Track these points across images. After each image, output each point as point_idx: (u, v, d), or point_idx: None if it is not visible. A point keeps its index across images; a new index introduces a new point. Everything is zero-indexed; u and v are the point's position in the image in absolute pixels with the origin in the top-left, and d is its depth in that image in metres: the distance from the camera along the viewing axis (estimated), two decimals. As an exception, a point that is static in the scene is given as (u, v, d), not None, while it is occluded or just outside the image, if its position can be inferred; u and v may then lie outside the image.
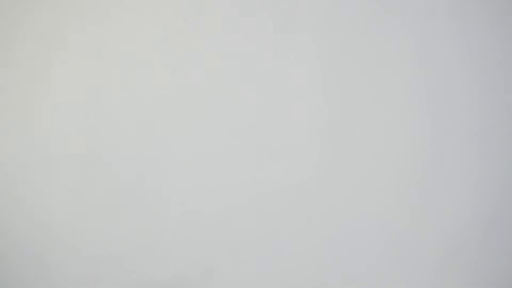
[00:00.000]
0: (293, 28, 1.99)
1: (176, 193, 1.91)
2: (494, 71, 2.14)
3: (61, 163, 1.88)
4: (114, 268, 1.88)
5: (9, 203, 1.88)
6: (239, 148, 1.95)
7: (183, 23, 1.93)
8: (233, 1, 1.95)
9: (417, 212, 2.07)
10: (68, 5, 1.90)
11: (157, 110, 1.90)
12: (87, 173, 1.88)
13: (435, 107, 2.09)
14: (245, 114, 1.95)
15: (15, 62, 1.91)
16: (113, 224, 1.89)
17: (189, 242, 1.92)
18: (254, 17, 1.96)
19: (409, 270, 2.06)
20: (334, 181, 2.00)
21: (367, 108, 2.02)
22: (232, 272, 1.94)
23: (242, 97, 1.95)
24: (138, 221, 1.89)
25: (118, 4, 1.92)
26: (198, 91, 1.92)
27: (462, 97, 2.11)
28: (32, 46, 1.90)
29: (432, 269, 2.08)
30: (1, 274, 1.89)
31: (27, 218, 1.87)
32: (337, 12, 2.00)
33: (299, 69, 1.99)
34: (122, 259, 1.88)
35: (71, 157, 1.88)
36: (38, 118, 1.88)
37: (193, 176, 1.92)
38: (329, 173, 2.00)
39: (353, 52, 2.01)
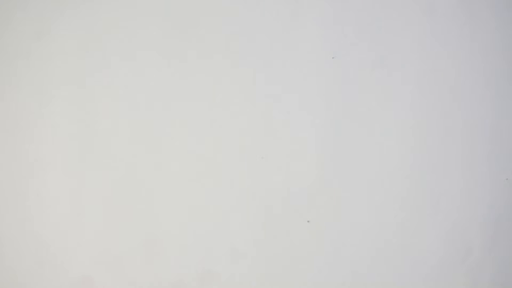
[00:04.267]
0: (298, 24, 1.96)
1: (175, 195, 1.91)
2: (503, 70, 2.11)
3: (59, 164, 1.87)
4: (113, 271, 1.89)
5: (7, 205, 1.88)
6: (239, 151, 1.94)
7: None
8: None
9: (418, 215, 2.06)
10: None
11: (157, 113, 1.89)
12: (86, 175, 1.88)
13: (440, 107, 2.06)
14: (245, 116, 1.94)
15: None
16: (112, 226, 1.89)
17: (188, 245, 1.93)
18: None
19: (410, 273, 2.06)
20: (334, 183, 1.99)
21: (369, 108, 2.00)
22: (231, 275, 1.95)
23: (242, 98, 1.94)
24: (137, 224, 1.90)
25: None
26: (197, 94, 1.91)
27: (469, 97, 2.09)
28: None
29: (434, 272, 2.08)
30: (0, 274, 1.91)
31: (24, 219, 1.88)
32: (342, 9, 1.97)
33: (298, 68, 1.97)
34: (121, 261, 1.89)
35: (70, 158, 1.87)
36: (34, 119, 1.87)
37: (193, 179, 1.91)
38: (329, 175, 1.99)
39: (356, 51, 1.99)
